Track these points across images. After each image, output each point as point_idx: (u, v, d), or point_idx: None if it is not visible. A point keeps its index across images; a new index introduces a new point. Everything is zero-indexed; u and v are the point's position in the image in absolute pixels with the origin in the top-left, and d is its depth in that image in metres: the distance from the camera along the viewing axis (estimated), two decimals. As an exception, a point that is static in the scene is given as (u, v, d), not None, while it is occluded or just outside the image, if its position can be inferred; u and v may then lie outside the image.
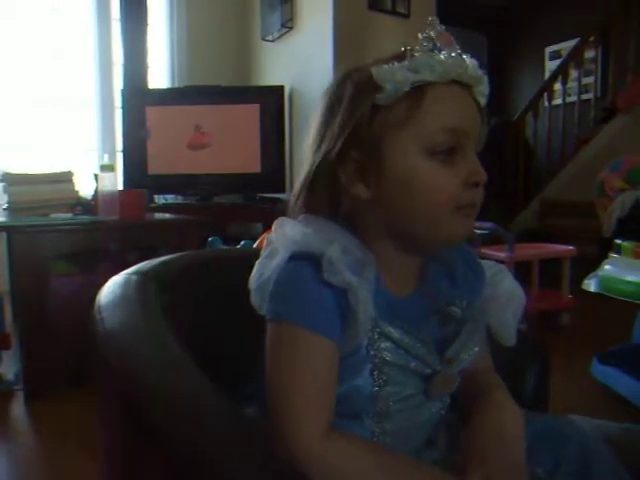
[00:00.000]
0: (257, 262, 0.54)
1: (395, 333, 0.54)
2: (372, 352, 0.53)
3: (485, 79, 0.54)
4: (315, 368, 0.49)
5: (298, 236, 0.52)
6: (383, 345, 0.53)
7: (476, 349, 0.59)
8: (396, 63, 0.52)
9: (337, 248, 0.50)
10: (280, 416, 0.48)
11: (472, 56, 0.54)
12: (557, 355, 0.86)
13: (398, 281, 0.57)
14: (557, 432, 0.59)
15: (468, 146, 0.52)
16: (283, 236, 0.53)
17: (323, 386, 0.49)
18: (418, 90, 0.51)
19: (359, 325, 0.49)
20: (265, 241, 0.56)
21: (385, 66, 0.52)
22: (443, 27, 0.53)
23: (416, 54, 0.52)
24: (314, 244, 0.51)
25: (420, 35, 0.53)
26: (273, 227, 0.55)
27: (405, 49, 0.52)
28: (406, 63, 0.51)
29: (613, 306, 1.65)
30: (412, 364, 0.55)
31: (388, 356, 0.53)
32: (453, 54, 0.52)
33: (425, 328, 0.56)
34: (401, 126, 0.52)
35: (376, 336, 0.53)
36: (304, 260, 0.50)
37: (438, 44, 0.52)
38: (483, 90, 0.54)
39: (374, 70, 0.52)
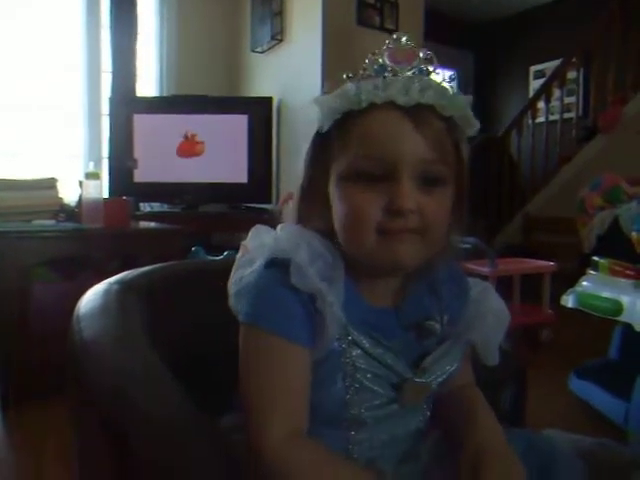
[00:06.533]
0: (234, 267, 0.56)
1: (365, 342, 0.55)
2: (343, 359, 0.54)
3: (449, 96, 0.52)
4: (283, 372, 0.51)
5: (271, 243, 0.54)
6: (354, 353, 0.54)
7: (452, 367, 0.60)
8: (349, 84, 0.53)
9: (305, 253, 0.52)
10: (249, 415, 0.50)
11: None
12: (536, 369, 0.87)
13: (376, 293, 0.58)
14: (536, 448, 0.59)
15: (398, 173, 0.50)
16: (259, 243, 0.55)
17: (290, 390, 0.51)
18: (352, 116, 0.52)
19: (328, 330, 0.51)
20: (241, 247, 0.58)
21: (324, 95, 0.54)
22: (408, 41, 0.53)
23: (362, 78, 0.52)
24: (284, 249, 0.52)
25: (371, 55, 0.53)
26: (249, 234, 0.57)
27: (359, 72, 0.53)
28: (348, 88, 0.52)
29: (592, 321, 1.68)
30: (382, 372, 0.55)
31: (359, 363, 0.54)
32: (410, 72, 0.52)
33: (399, 340, 0.57)
34: (340, 150, 0.53)
35: (347, 344, 0.54)
36: (277, 266, 0.52)
37: (389, 64, 0.52)
38: (447, 108, 0.52)
39: (314, 99, 0.54)
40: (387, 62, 0.52)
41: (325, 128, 0.54)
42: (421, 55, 0.53)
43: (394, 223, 0.51)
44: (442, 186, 0.53)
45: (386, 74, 0.52)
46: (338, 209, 0.54)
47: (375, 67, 0.53)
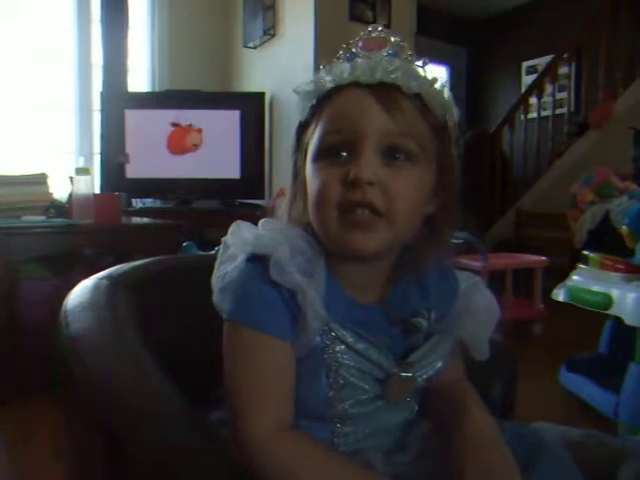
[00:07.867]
0: (217, 263, 0.56)
1: (348, 337, 0.54)
2: (326, 355, 0.54)
3: (418, 77, 0.53)
4: (266, 369, 0.51)
5: (252, 238, 0.54)
6: (337, 348, 0.54)
7: (439, 363, 0.60)
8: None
9: (286, 249, 0.52)
10: (235, 412, 0.50)
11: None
12: (528, 363, 0.88)
13: (360, 287, 0.57)
14: (523, 439, 0.60)
15: (360, 144, 0.51)
16: (240, 239, 0.55)
17: (274, 385, 0.51)
18: (323, 101, 0.55)
19: (309, 325, 0.51)
20: (222, 244, 0.57)
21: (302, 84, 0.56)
22: (381, 30, 0.55)
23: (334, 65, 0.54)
24: (265, 245, 0.52)
25: (345, 45, 0.55)
26: (230, 230, 0.57)
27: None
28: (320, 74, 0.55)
29: (583, 315, 1.70)
30: (367, 367, 0.55)
31: (343, 359, 0.54)
32: (382, 55, 0.53)
33: (384, 335, 0.57)
34: (313, 132, 0.55)
35: (330, 340, 0.54)
36: (258, 262, 0.52)
37: (358, 50, 0.54)
38: (414, 88, 0.52)
39: (294, 89, 0.56)
40: (359, 51, 0.54)
41: (305, 116, 0.56)
42: (392, 40, 0.55)
43: (352, 195, 0.51)
44: (409, 162, 0.52)
45: (356, 59, 0.54)
46: (309, 190, 0.55)
47: (347, 55, 0.55)
